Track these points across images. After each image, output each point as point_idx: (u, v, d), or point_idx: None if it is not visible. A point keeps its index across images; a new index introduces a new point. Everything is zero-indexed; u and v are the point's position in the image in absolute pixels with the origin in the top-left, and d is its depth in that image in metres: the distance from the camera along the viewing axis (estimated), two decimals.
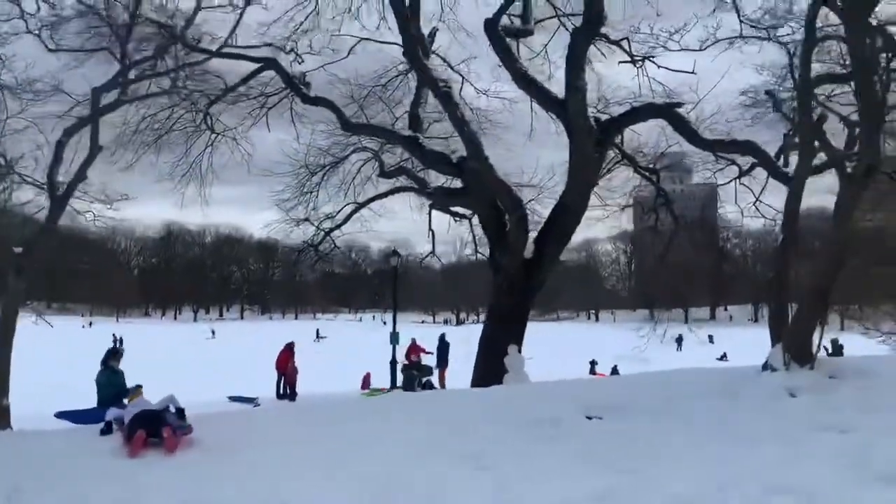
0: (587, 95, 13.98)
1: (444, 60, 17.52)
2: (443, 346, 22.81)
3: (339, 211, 17.89)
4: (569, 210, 14.08)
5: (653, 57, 15.45)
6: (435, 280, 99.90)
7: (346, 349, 45.42)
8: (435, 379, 22.10)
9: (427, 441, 6.36)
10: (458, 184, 15.55)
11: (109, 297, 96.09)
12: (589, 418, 7.54)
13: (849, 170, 8.56)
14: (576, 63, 13.48)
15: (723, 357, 46.95)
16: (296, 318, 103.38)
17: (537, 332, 23.84)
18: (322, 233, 17.00)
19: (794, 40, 12.50)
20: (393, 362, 22.38)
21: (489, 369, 14.13)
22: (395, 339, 22.48)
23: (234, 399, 20.99)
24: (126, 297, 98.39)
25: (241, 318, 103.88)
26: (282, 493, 5.54)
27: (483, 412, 7.51)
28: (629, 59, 15.35)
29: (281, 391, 21.12)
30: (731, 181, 16.13)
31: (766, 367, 9.42)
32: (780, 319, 9.46)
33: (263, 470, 6.03)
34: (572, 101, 13.41)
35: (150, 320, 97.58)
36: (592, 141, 13.64)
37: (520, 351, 14.36)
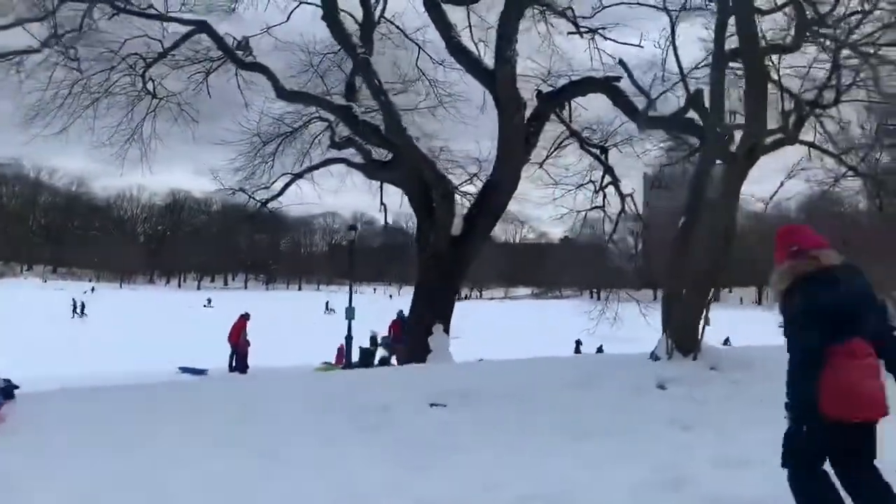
0: (543, 70, 13.41)
1: (399, 28, 16.98)
2: (402, 324, 22.42)
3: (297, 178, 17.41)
4: (498, 186, 13.58)
5: (603, 29, 14.81)
6: None
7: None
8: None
9: (222, 433, 5.99)
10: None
11: (114, 263, 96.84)
12: (432, 405, 7.16)
13: (732, 149, 7.99)
14: (507, 32, 12.87)
15: (726, 341, 46.34)
16: (299, 289, 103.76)
17: (537, 309, 23.63)
18: (257, 203, 16.61)
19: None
20: (348, 338, 22.09)
21: (416, 348, 13.80)
22: (350, 314, 22.16)
23: (184, 370, 20.93)
24: (130, 264, 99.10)
25: (245, 287, 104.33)
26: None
27: (310, 399, 7.14)
28: (575, 30, 14.73)
29: (233, 364, 20.92)
30: (677, 161, 15.47)
31: (652, 355, 9.00)
32: (673, 306, 9.00)
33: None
34: (501, 73, 12.84)
35: (154, 287, 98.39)
36: (522, 114, 13.08)
37: (446, 330, 13.99)
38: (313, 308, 61.68)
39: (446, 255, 13.56)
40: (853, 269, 3.63)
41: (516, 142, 13.14)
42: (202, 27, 14.88)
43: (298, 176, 16.25)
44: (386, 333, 22.46)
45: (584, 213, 17.29)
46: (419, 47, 16.93)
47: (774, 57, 11.97)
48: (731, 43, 10.65)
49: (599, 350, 31.53)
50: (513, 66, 12.86)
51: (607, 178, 16.36)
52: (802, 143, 14.21)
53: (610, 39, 14.62)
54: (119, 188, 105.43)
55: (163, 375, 17.13)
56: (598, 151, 16.15)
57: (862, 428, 3.44)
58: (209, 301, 66.25)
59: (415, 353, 13.68)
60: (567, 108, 15.44)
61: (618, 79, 13.52)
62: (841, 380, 3.36)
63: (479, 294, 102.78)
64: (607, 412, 6.68)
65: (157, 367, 19.67)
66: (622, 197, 16.40)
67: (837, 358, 3.39)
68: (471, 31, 15.02)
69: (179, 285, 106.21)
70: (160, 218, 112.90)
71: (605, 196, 16.56)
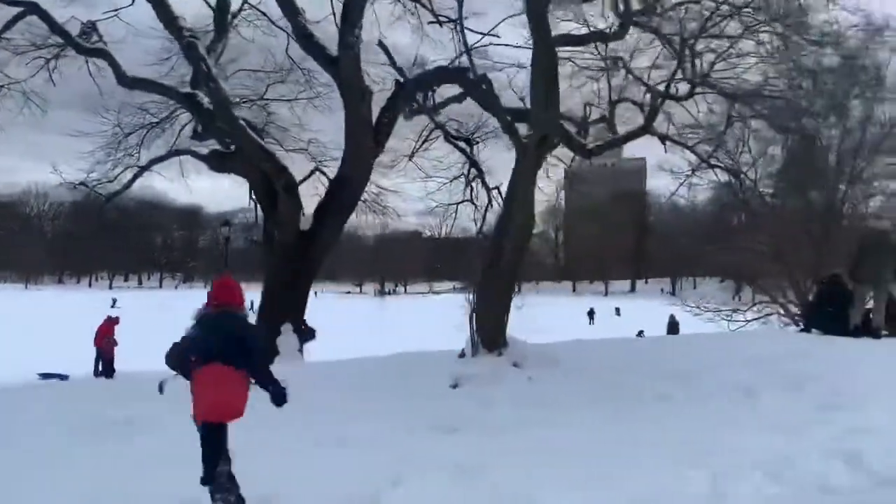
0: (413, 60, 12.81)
1: (264, 14, 16.16)
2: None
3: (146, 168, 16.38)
4: (348, 179, 13.03)
5: (466, 18, 14.41)
6: (367, 249, 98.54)
7: None
8: None
9: None
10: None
11: (20, 262, 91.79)
12: None
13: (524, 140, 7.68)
14: (350, 17, 12.31)
15: (640, 333, 47.24)
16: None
17: (438, 303, 23.38)
18: (104, 198, 15.56)
19: None
20: None
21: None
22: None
23: (44, 376, 19.61)
24: (37, 264, 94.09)
25: (160, 286, 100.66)
26: None
27: (55, 410, 6.45)
28: (435, 19, 14.29)
29: (98, 368, 19.73)
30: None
31: (462, 352, 8.65)
32: (485, 302, 8.66)
33: None
34: (343, 59, 12.28)
35: (64, 287, 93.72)
36: (368, 104, 12.57)
37: (297, 331, 13.37)
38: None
39: (294, 251, 12.92)
40: (230, 315, 4.67)
41: (363, 133, 12.62)
42: (33, 9, 13.76)
43: (144, 168, 15.25)
44: None
45: (455, 206, 16.94)
46: (288, 34, 16.21)
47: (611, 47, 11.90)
48: (562, 28, 10.46)
49: None
50: (356, 52, 12.32)
51: (473, 172, 16.06)
52: (655, 134, 14.25)
53: (469, 30, 14.24)
54: (25, 185, 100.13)
55: (21, 381, 15.95)
56: (463, 144, 15.82)
57: (208, 428, 4.34)
58: (114, 301, 63.29)
59: None
60: (431, 99, 15.01)
61: (465, 70, 13.16)
62: (196, 390, 4.37)
63: (403, 289, 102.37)
64: (370, 418, 6.25)
65: (19, 372, 18.39)
66: (488, 190, 16.12)
67: (197, 374, 4.38)
68: (334, 17, 14.43)
69: (90, 285, 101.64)
70: (70, 215, 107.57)
71: (472, 189, 16.26)
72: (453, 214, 17.80)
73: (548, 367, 7.90)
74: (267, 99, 17.33)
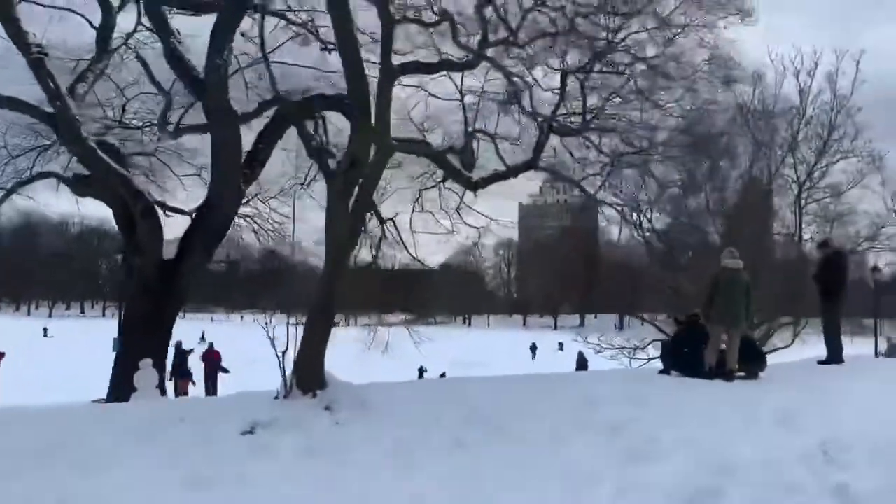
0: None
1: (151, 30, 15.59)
2: (179, 357, 20.73)
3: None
4: (215, 206, 12.44)
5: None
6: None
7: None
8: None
9: None
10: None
11: None
12: None
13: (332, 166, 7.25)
14: (218, 39, 11.86)
15: (442, 375, 46.43)
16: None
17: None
18: None
19: None
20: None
21: (124, 385, 12.34)
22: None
23: None
24: None
25: (103, 315, 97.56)
26: None
27: None
28: (323, 46, 13.93)
29: None
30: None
31: (277, 394, 8.05)
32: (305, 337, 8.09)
33: None
34: (209, 82, 11.80)
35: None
36: (236, 127, 12.07)
37: (157, 365, 12.60)
38: None
39: (155, 280, 12.23)
40: None
41: (230, 157, 12.09)
42: None
43: (10, 192, 14.44)
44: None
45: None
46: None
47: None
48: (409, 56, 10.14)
49: (442, 376, 30.95)
50: (223, 75, 11.85)
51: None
52: (542, 169, 14.04)
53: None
54: None
55: None
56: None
57: None
58: (45, 331, 61.03)
59: (123, 391, 12.25)
60: (317, 125, 14.57)
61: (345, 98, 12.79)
62: None
63: (353, 321, 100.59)
64: (129, 467, 5.63)
65: None
66: (382, 221, 15.67)
67: None
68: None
69: (29, 313, 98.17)
70: (9, 241, 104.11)
71: (364, 220, 15.75)
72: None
73: (361, 410, 7.35)
74: (151, 123, 16.71)
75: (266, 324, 7.91)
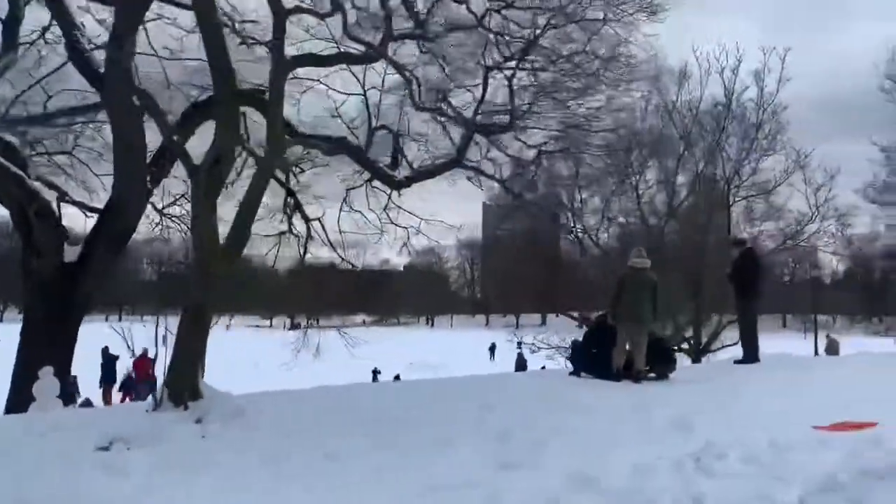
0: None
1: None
2: (107, 362, 20.04)
3: None
4: (120, 207, 11.89)
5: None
6: (281, 282, 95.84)
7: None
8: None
9: None
10: None
11: None
12: None
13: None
14: (117, 32, 11.30)
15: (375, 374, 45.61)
16: (119, 319, 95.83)
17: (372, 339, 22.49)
18: None
19: None
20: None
21: (23, 394, 11.71)
22: None
23: None
24: None
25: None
26: None
27: None
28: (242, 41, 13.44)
29: None
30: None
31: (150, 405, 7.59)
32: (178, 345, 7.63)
33: None
34: (108, 77, 11.25)
35: None
36: (139, 124, 11.52)
37: (59, 374, 11.97)
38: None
39: (55, 285, 11.63)
40: None
41: (133, 156, 11.54)
42: None
43: None
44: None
45: (274, 236, 15.91)
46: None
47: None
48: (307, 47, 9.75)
49: (396, 378, 30.53)
50: (126, 69, 11.28)
51: (291, 201, 15.16)
52: (467, 166, 13.77)
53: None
54: None
55: None
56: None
57: None
58: None
59: (21, 400, 11.62)
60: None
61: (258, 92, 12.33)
62: None
63: (316, 322, 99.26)
64: None
65: None
66: (307, 221, 15.25)
67: None
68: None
69: None
70: None
71: (290, 221, 15.32)
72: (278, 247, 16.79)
73: (234, 421, 6.95)
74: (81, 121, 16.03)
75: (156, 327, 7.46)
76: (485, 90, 12.96)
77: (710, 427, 6.72)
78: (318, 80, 10.00)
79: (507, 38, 11.94)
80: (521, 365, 23.34)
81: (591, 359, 9.49)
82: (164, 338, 18.43)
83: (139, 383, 20.67)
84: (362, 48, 9.75)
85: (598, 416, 7.39)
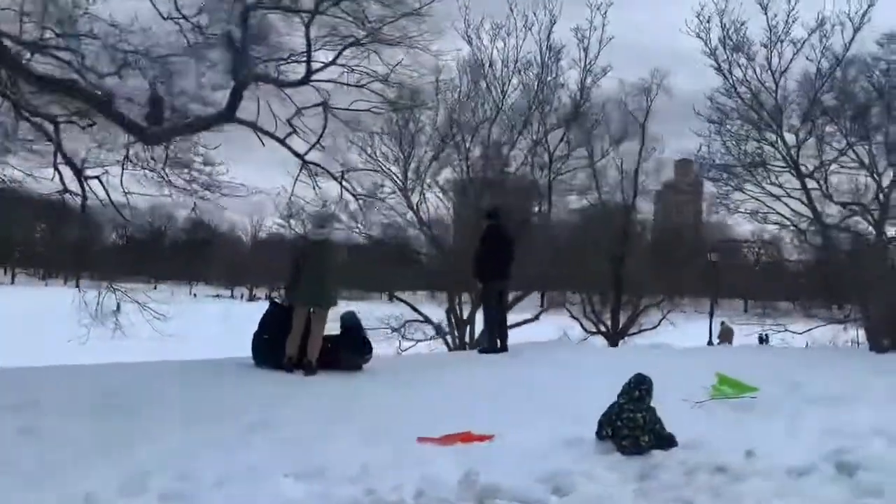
0: None
1: None
2: None
3: None
4: None
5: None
6: (244, 252, 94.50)
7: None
8: None
9: None
10: None
11: None
12: None
13: None
14: None
15: None
16: (77, 285, 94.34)
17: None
18: None
19: None
20: None
21: None
22: None
23: None
24: None
25: (12, 282, 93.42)
26: None
27: None
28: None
29: None
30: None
31: None
32: None
33: None
34: None
35: None
36: None
37: None
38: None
39: None
40: None
41: None
42: None
43: None
44: None
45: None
46: None
47: None
48: None
49: None
50: None
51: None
52: (242, 122, 12.15)
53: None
54: None
55: None
56: None
57: None
58: None
59: None
60: None
61: None
62: None
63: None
64: None
65: None
66: (81, 180, 13.60)
67: None
68: None
69: None
70: None
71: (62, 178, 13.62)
72: None
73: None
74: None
75: None
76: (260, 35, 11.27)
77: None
78: None
79: None
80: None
81: (264, 346, 7.95)
82: None
83: None
84: None
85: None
